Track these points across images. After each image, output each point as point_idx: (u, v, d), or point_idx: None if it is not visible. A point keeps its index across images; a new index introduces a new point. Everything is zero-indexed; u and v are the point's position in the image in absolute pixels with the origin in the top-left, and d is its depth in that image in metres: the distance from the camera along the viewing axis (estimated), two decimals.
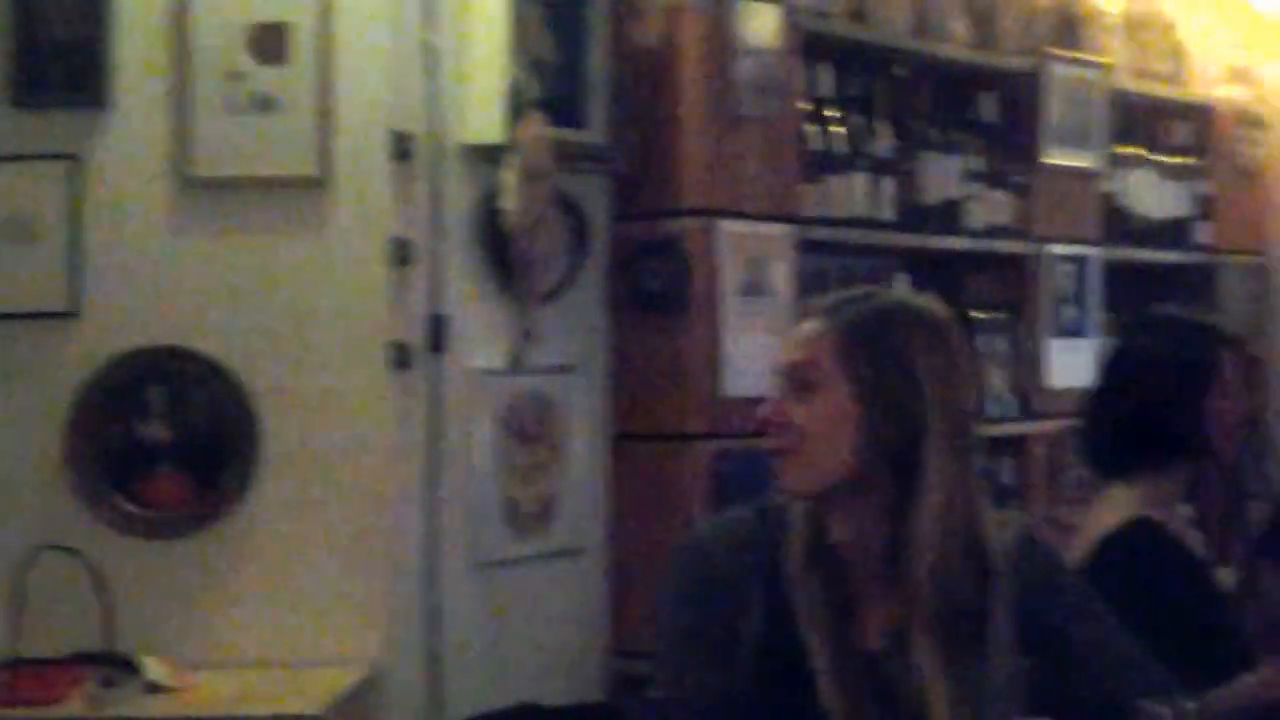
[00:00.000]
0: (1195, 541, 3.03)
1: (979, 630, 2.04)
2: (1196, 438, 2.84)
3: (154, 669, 2.71)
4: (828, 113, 3.45)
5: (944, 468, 2.03)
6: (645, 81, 3.16)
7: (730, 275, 3.21)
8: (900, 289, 2.61)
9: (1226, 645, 2.85)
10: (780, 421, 2.03)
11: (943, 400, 2.03)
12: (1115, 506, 2.88)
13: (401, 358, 2.90)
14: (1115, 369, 2.95)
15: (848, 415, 2.00)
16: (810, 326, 2.04)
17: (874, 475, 2.02)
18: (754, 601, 2.07)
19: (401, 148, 2.89)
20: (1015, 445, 3.94)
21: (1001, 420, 3.89)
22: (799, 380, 2.02)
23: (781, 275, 3.31)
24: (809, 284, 3.46)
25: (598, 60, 3.10)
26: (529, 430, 3.12)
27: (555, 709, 3.08)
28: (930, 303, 2.13)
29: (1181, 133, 4.57)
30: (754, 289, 3.26)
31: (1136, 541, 2.80)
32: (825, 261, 3.58)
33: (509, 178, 2.82)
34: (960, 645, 2.01)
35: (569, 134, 3.04)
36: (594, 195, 3.22)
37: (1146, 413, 2.85)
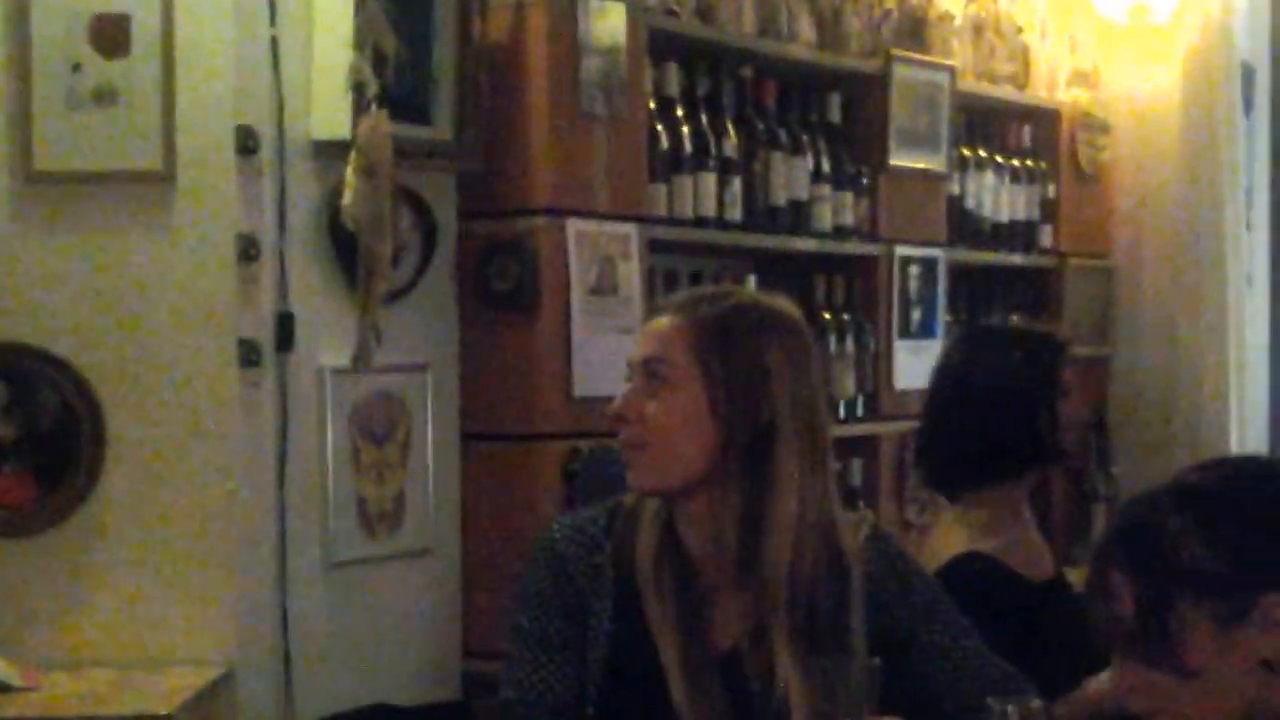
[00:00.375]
0: (1036, 557, 3.06)
1: (835, 629, 2.06)
2: (1047, 445, 2.89)
3: (2, 669, 2.66)
4: (675, 113, 3.48)
5: (796, 466, 2.06)
6: (493, 79, 3.17)
7: (579, 274, 3.23)
8: (753, 289, 2.65)
9: (1070, 668, 2.90)
10: (632, 416, 2.04)
11: (794, 399, 2.05)
12: (951, 537, 2.90)
13: (249, 355, 2.87)
14: (956, 387, 2.98)
15: (700, 411, 2.02)
16: (665, 322, 2.06)
17: (726, 473, 2.04)
18: (605, 601, 2.10)
19: (247, 143, 2.86)
20: (864, 445, 4.01)
21: (850, 421, 3.94)
22: (652, 375, 2.03)
23: (631, 275, 3.33)
24: (659, 283, 3.50)
25: (444, 58, 3.10)
26: (378, 429, 3.11)
27: (407, 709, 3.07)
28: (784, 303, 2.16)
29: (1026, 136, 4.66)
30: (603, 288, 3.28)
31: (968, 578, 2.82)
32: (674, 261, 3.61)
33: (350, 174, 2.81)
34: (816, 644, 2.04)
35: (415, 131, 3.04)
36: (442, 193, 3.21)
37: (993, 428, 2.89)
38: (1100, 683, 2.81)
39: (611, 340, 3.27)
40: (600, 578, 2.10)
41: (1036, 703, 1.89)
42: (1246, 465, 1.86)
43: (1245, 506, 1.74)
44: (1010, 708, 1.87)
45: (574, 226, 3.22)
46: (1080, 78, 4.83)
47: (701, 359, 2.03)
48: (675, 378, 2.03)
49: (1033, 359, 2.90)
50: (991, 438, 2.85)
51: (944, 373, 2.99)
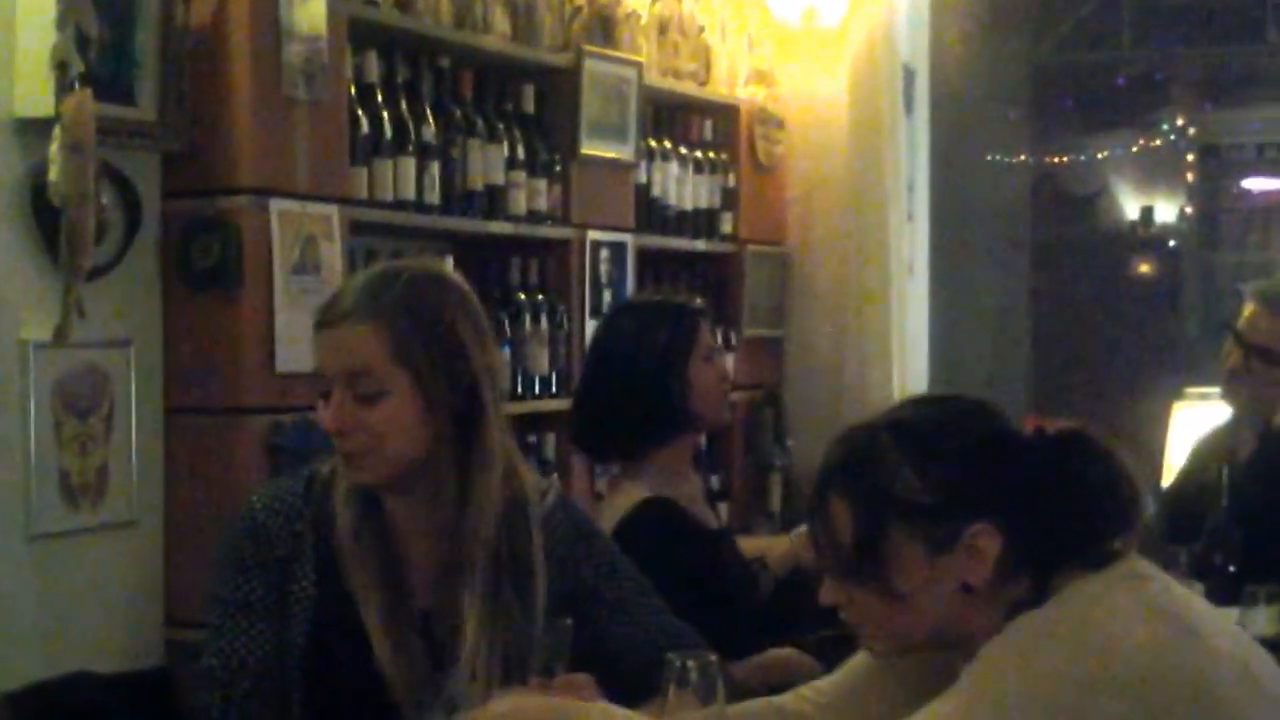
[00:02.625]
0: (707, 514, 3.29)
1: (519, 586, 2.13)
2: (689, 409, 3.10)
3: None
4: (376, 99, 3.59)
5: (498, 429, 2.14)
6: (197, 62, 3.22)
7: (281, 253, 3.31)
8: (414, 258, 2.70)
9: (743, 613, 3.14)
10: (349, 429, 2.07)
11: (486, 365, 2.13)
12: (628, 490, 3.11)
13: None
14: (598, 363, 3.18)
15: (415, 407, 2.08)
16: (353, 330, 2.07)
17: (440, 451, 2.11)
18: (306, 567, 2.13)
19: None
20: (556, 420, 4.13)
21: (544, 396, 4.09)
22: (360, 387, 2.06)
23: (332, 254, 3.42)
24: (359, 263, 3.60)
25: (148, 40, 3.15)
26: (81, 403, 3.14)
27: (109, 676, 3.11)
28: (444, 267, 2.26)
29: (708, 130, 4.83)
30: (305, 267, 3.36)
31: (649, 520, 3.03)
32: (375, 242, 3.72)
33: (54, 151, 2.85)
34: (505, 602, 2.11)
35: (119, 111, 3.09)
36: (145, 172, 3.25)
37: (635, 394, 3.09)
38: (776, 654, 3.04)
39: (313, 318, 3.36)
40: (301, 544, 2.14)
41: (713, 657, 1.96)
42: (959, 403, 1.95)
43: (955, 442, 1.86)
44: (689, 662, 1.93)
45: (276, 207, 3.30)
46: (757, 76, 5.01)
47: (406, 360, 2.07)
48: (385, 385, 2.07)
49: (663, 327, 3.11)
50: (627, 404, 3.06)
51: (591, 345, 3.21)
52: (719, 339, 3.22)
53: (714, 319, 3.29)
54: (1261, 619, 2.95)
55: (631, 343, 3.11)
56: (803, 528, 3.31)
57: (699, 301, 3.31)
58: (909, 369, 5.14)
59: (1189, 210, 9.99)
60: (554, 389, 4.12)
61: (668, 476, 3.09)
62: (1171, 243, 9.99)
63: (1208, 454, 3.88)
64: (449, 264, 3.79)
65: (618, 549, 2.40)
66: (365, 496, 2.15)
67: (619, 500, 3.08)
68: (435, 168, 3.72)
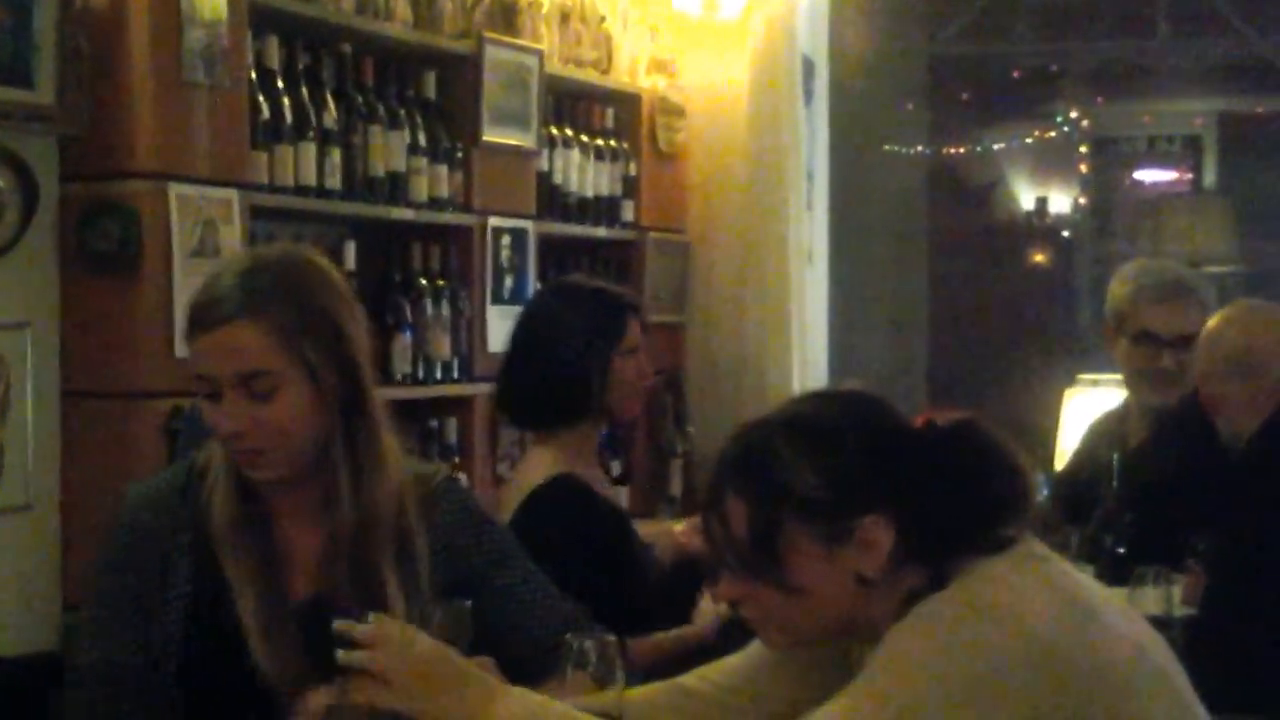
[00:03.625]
0: (614, 496, 3.36)
1: (408, 575, 2.12)
2: (602, 395, 3.15)
3: None
4: (277, 84, 3.59)
5: (381, 410, 2.13)
6: (96, 46, 3.21)
7: (181, 237, 3.30)
8: (280, 244, 2.67)
9: (645, 591, 3.18)
10: (251, 429, 2.04)
11: (363, 346, 2.11)
12: (539, 464, 3.15)
13: None
14: (526, 334, 3.23)
15: (309, 400, 2.05)
16: (239, 329, 2.02)
17: (332, 436, 2.09)
18: (183, 562, 2.09)
19: None
20: (458, 405, 4.18)
21: (445, 381, 4.10)
22: (254, 386, 2.02)
23: (232, 239, 3.42)
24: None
25: (47, 22, 3.13)
26: None
27: (4, 659, 3.10)
28: (311, 252, 2.17)
29: (609, 118, 4.85)
30: (204, 251, 3.36)
31: (560, 495, 3.07)
32: (276, 227, 3.72)
33: None
34: (394, 587, 2.09)
35: (16, 94, 3.07)
36: (43, 155, 3.23)
37: (555, 373, 3.14)
38: (681, 632, 3.08)
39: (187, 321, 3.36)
40: (177, 539, 2.10)
41: (611, 638, 2.00)
42: (852, 398, 1.98)
43: (848, 437, 1.88)
44: (587, 643, 1.97)
45: (175, 190, 3.29)
46: (658, 65, 5.04)
47: (295, 352, 2.03)
48: (278, 381, 2.03)
49: (592, 315, 3.16)
50: (548, 381, 3.11)
51: (520, 320, 3.26)
52: (643, 336, 3.23)
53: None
54: (1149, 599, 3.02)
55: (558, 323, 3.15)
56: (683, 523, 3.37)
57: (633, 296, 3.33)
58: (808, 356, 5.20)
59: (1082, 201, 10.15)
60: (455, 374, 4.14)
61: (576, 455, 3.13)
62: (1065, 233, 10.15)
63: (1099, 438, 3.96)
64: (351, 250, 3.81)
65: (512, 537, 2.40)
66: (244, 487, 2.12)
67: (530, 471, 3.13)
68: (336, 153, 3.72)
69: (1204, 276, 3.91)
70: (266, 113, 3.54)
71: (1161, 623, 2.84)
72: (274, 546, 2.11)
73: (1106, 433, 3.95)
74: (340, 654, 1.84)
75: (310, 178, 3.66)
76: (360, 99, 3.83)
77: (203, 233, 3.35)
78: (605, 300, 3.20)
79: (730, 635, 2.23)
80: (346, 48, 3.81)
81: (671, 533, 3.33)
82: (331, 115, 3.71)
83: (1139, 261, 3.97)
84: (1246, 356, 3.03)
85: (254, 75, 3.52)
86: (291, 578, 2.11)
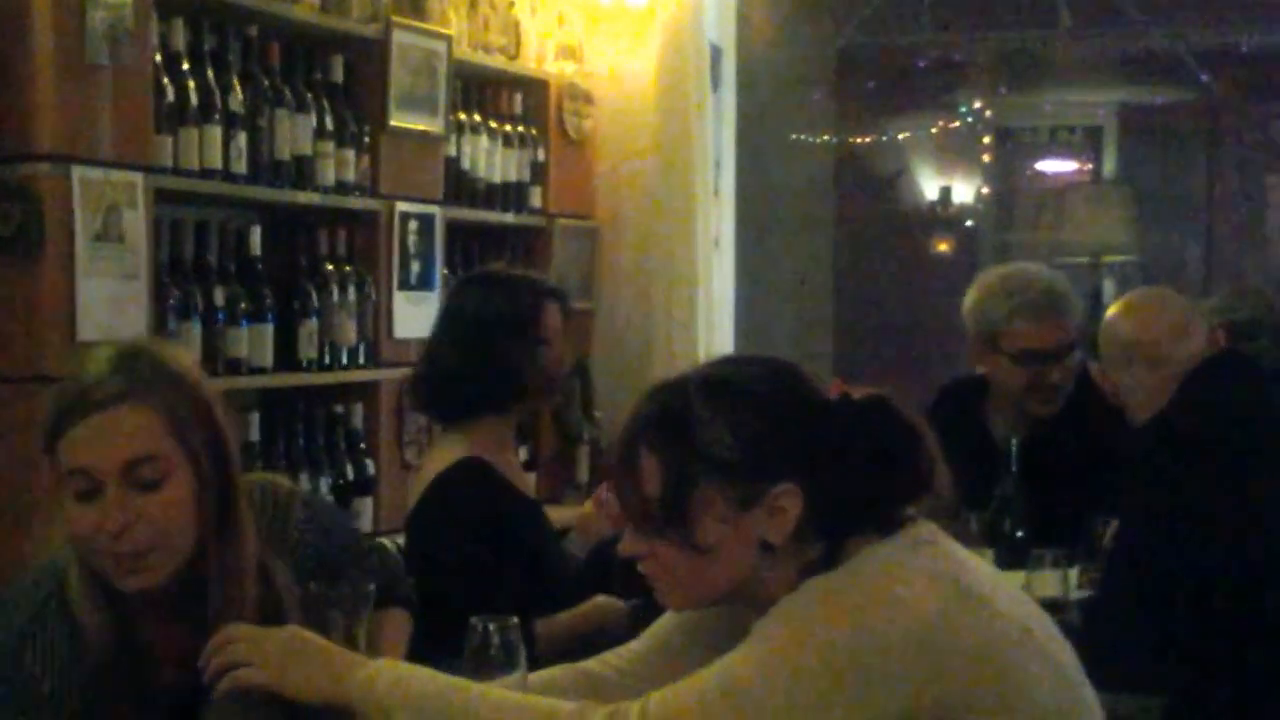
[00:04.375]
0: (524, 482, 3.37)
1: (271, 615, 2.04)
2: (521, 384, 3.16)
3: None
4: (182, 67, 3.56)
5: (246, 501, 2.05)
6: None
7: (84, 221, 3.27)
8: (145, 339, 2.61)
9: (550, 574, 3.20)
10: (135, 525, 1.92)
11: (236, 439, 2.04)
12: (449, 449, 3.16)
13: None
14: (448, 324, 3.24)
15: (191, 493, 1.95)
16: (132, 414, 1.91)
17: (205, 538, 1.99)
18: (52, 655, 1.98)
19: None
20: (365, 391, 4.18)
21: (351, 367, 4.09)
22: (138, 477, 1.92)
23: (136, 222, 3.39)
24: (165, 232, 3.57)
25: None
26: None
27: None
28: (182, 351, 2.08)
29: (517, 104, 4.85)
30: (108, 235, 3.33)
31: (468, 479, 3.09)
32: (182, 211, 3.69)
33: None
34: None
35: None
36: None
37: (475, 364, 3.15)
38: (583, 609, 3.10)
39: (116, 285, 3.34)
40: (52, 662, 1.98)
41: (514, 621, 2.00)
42: (771, 363, 1.97)
43: (766, 401, 1.89)
44: (490, 625, 1.98)
45: (78, 174, 3.26)
46: (566, 51, 5.03)
47: (181, 441, 1.94)
48: (165, 470, 1.93)
49: (508, 302, 3.16)
50: (469, 370, 3.12)
51: (441, 311, 3.26)
52: (562, 322, 3.23)
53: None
54: (1047, 582, 3.08)
55: (478, 314, 3.16)
56: (588, 505, 3.38)
57: (554, 284, 3.32)
58: (715, 343, 5.22)
59: (985, 191, 10.27)
60: (361, 360, 4.13)
61: (489, 444, 3.14)
62: (969, 222, 10.27)
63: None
64: (257, 234, 3.79)
65: (360, 538, 2.38)
66: (107, 592, 1.99)
67: (438, 457, 3.14)
68: (242, 137, 3.70)
69: (1065, 275, 3.86)
70: (171, 95, 3.52)
71: (1058, 605, 2.91)
72: (140, 636, 2.03)
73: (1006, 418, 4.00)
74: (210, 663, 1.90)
75: (216, 161, 3.63)
76: (267, 82, 3.81)
77: (106, 216, 3.33)
78: (524, 289, 3.20)
79: (637, 626, 2.25)
80: (253, 30, 3.79)
81: (585, 517, 3.35)
82: (238, 98, 3.69)
83: (1000, 271, 3.84)
84: (1144, 344, 3.09)
85: (159, 57, 3.49)
86: (156, 673, 2.04)
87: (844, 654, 1.77)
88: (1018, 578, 3.02)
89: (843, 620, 1.79)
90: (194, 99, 3.57)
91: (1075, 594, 3.14)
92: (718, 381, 1.92)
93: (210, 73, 3.63)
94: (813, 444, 1.88)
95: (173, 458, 1.94)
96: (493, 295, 3.20)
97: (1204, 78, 9.52)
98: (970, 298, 3.79)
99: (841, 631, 1.78)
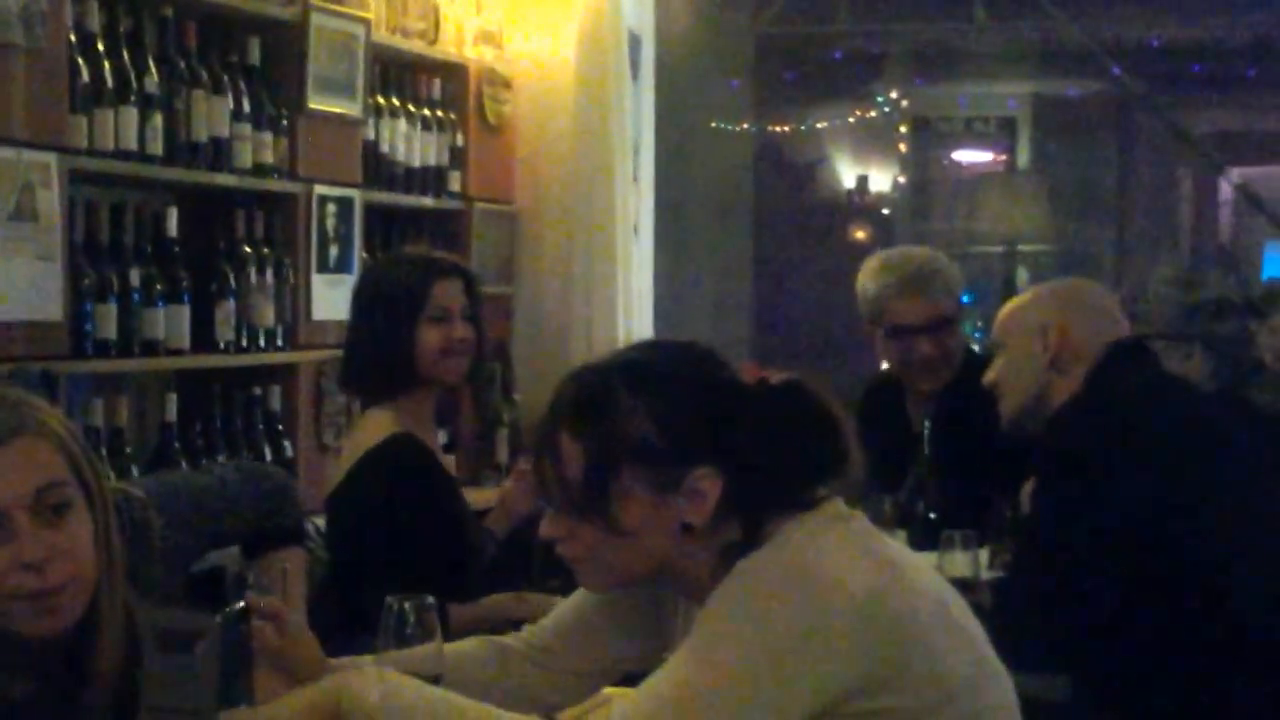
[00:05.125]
0: (446, 460, 3.40)
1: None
2: (411, 361, 3.17)
3: None
4: (98, 47, 3.53)
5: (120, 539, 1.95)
6: None
7: None
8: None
9: (475, 560, 3.22)
10: (50, 559, 1.81)
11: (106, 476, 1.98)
12: (374, 426, 3.17)
13: None
14: (352, 304, 3.28)
15: (89, 529, 1.87)
16: (35, 443, 1.84)
17: (99, 582, 1.88)
18: None
19: None
20: (283, 373, 4.17)
21: (269, 350, 4.08)
22: (49, 501, 1.83)
23: (51, 202, 3.37)
24: (80, 212, 3.55)
25: None
26: None
27: None
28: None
29: (436, 88, 4.85)
30: (22, 215, 3.31)
31: (397, 453, 3.10)
32: (98, 192, 3.66)
33: None
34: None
35: None
36: None
37: (367, 344, 3.18)
38: (499, 599, 3.12)
39: (31, 266, 3.32)
40: None
41: (429, 599, 2.02)
42: (690, 349, 1.99)
43: (686, 386, 1.92)
44: (406, 605, 2.00)
45: None
46: (486, 37, 5.03)
47: (78, 474, 1.87)
48: (70, 498, 1.85)
49: (395, 283, 3.19)
50: (371, 349, 3.15)
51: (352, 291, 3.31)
52: (466, 300, 3.24)
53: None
54: (958, 562, 3.13)
55: (369, 291, 3.21)
56: (508, 483, 3.40)
57: (446, 261, 3.30)
58: (635, 328, 5.23)
59: (902, 180, 10.37)
60: (279, 342, 4.12)
61: (409, 421, 3.16)
62: (885, 211, 10.37)
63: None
64: (174, 216, 3.77)
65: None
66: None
67: (365, 432, 3.16)
68: (158, 118, 3.68)
69: (944, 257, 3.96)
70: (87, 76, 3.49)
71: (969, 585, 2.96)
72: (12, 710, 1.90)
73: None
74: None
75: (131, 142, 3.61)
76: (183, 64, 3.79)
77: (20, 197, 3.30)
78: (417, 267, 3.22)
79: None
80: (169, 11, 3.77)
81: (506, 491, 3.36)
82: (154, 79, 3.66)
83: (880, 255, 3.99)
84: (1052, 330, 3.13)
85: (74, 37, 3.47)
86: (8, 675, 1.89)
87: (788, 638, 1.79)
88: (930, 559, 3.06)
89: (783, 604, 1.81)
90: (109, 80, 3.55)
91: (985, 575, 3.19)
92: (638, 366, 1.94)
93: (126, 54, 3.61)
94: (731, 428, 1.91)
95: (71, 488, 1.85)
96: (387, 274, 3.24)
97: (1116, 70, 9.66)
98: (858, 281, 3.94)
99: (779, 616, 1.80)
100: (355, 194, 4.42)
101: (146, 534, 2.15)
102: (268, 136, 4.06)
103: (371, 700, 1.87)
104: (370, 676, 1.91)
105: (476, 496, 3.55)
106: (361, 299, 3.24)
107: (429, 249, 3.45)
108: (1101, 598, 2.79)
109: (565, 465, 1.92)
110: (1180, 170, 11.79)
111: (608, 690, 2.24)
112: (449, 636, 2.13)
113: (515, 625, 2.84)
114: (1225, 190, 12.37)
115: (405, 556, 3.00)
